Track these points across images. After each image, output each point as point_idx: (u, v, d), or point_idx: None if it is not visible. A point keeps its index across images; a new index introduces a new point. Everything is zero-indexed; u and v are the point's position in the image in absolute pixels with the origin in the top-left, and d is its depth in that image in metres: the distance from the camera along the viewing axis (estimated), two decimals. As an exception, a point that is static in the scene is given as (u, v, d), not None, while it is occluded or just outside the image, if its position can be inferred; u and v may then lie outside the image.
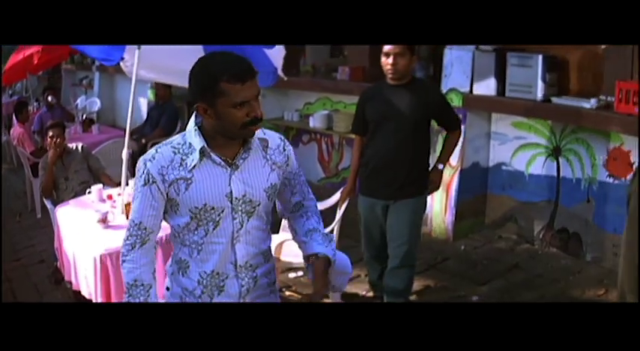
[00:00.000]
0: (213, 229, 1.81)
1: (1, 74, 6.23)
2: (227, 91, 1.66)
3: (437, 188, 3.51)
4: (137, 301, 1.83)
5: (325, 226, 3.62)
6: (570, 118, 4.29)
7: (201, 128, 1.79)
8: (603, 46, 4.12)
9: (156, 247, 1.91)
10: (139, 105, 9.07)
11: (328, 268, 1.91)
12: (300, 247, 2.01)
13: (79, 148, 4.81)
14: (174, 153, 1.79)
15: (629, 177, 4.00)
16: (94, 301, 3.19)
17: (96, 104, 9.21)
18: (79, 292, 3.42)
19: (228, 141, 1.79)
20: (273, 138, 1.90)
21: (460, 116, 3.62)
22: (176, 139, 1.83)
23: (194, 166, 1.77)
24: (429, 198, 4.99)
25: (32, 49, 5.93)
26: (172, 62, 3.70)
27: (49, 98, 7.48)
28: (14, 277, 4.59)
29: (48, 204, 4.39)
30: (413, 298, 3.82)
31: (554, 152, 4.54)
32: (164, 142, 1.84)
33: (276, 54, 3.94)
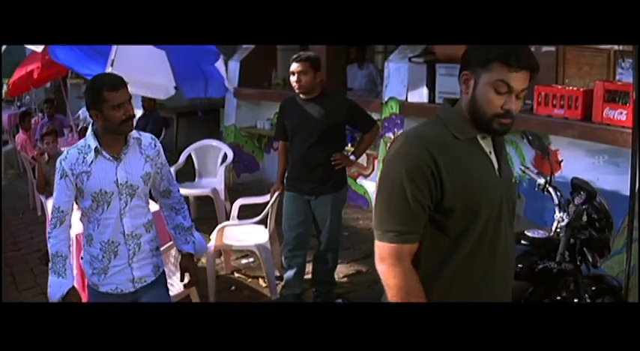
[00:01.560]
0: (107, 207, 2.41)
1: (2, 86, 6.90)
2: (108, 97, 2.31)
3: (342, 166, 3.71)
4: (58, 267, 2.40)
5: (259, 214, 4.22)
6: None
7: (96, 133, 2.41)
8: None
9: (71, 226, 2.48)
10: (133, 115, 9.70)
11: (192, 259, 2.72)
12: (171, 233, 2.72)
13: (70, 151, 5.54)
14: (79, 153, 2.39)
15: (557, 173, 4.31)
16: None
17: (94, 115, 9.88)
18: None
19: (114, 139, 2.42)
20: (146, 137, 2.55)
21: (376, 119, 4.03)
22: (81, 142, 2.46)
23: (91, 161, 2.37)
24: (373, 195, 5.54)
25: (33, 65, 6.54)
26: (142, 76, 4.30)
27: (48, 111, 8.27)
28: (14, 263, 5.17)
29: (42, 198, 5.11)
30: (344, 280, 4.37)
31: (486, 153, 5.04)
32: (74, 145, 2.49)
33: (222, 69, 4.55)
